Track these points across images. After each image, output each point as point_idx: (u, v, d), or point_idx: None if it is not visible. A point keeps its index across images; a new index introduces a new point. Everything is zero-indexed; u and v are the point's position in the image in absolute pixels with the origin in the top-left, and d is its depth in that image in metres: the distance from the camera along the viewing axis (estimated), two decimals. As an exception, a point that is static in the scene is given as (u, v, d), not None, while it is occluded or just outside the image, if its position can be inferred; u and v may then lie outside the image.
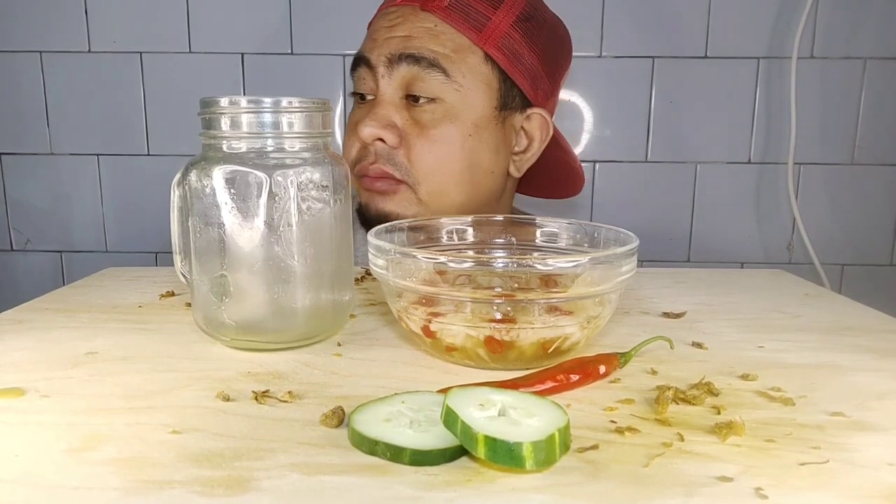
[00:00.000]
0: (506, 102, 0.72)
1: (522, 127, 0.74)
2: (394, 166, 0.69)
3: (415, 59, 0.68)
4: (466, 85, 0.69)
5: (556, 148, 0.80)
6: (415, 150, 0.69)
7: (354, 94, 0.74)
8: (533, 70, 0.72)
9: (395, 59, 0.68)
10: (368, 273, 0.65)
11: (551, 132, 0.76)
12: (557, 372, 0.38)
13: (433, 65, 0.68)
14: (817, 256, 1.04)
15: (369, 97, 0.72)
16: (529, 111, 0.73)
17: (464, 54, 0.69)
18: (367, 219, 0.72)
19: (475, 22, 0.69)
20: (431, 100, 0.69)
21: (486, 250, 0.54)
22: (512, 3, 0.70)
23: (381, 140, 0.68)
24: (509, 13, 0.70)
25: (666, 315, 0.53)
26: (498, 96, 0.71)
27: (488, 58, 0.70)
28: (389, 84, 0.69)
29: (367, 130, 0.67)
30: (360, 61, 0.71)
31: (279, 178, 0.41)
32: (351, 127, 0.73)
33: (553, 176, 0.85)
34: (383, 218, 0.69)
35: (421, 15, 0.69)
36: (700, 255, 1.11)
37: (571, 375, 0.38)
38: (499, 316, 0.39)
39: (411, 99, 0.70)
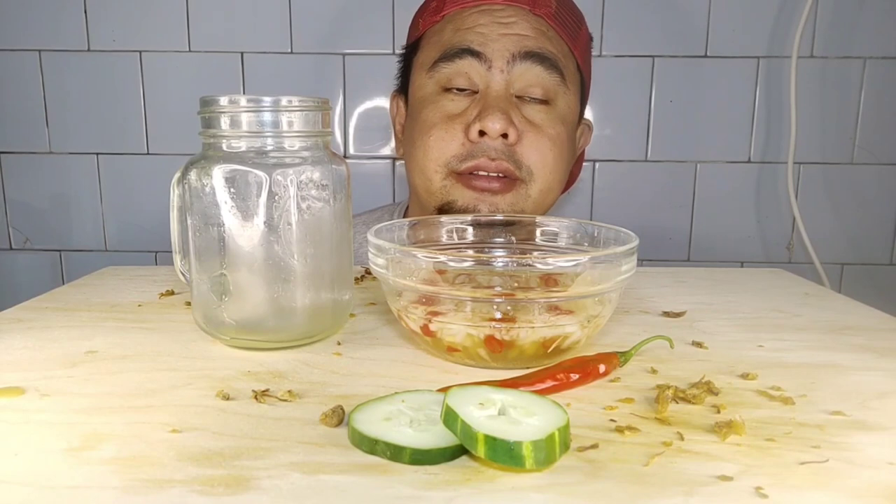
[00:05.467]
0: (582, 112, 0.76)
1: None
2: (514, 163, 0.67)
3: (541, 58, 0.68)
4: (571, 90, 0.72)
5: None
6: (535, 148, 0.68)
7: (447, 88, 0.71)
8: (589, 85, 0.78)
9: (519, 56, 0.68)
10: (368, 272, 0.65)
11: (588, 143, 0.82)
12: (557, 371, 0.38)
13: (554, 67, 0.69)
14: (817, 256, 1.04)
15: (467, 90, 0.70)
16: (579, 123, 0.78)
17: (567, 61, 0.71)
18: None
19: (571, 31, 0.72)
20: (542, 101, 0.70)
21: (486, 249, 0.54)
22: (584, 21, 0.76)
23: (503, 136, 0.66)
24: (586, 30, 0.76)
25: (666, 314, 0.53)
26: (580, 105, 0.75)
27: (578, 68, 0.73)
28: (505, 79, 0.69)
29: (498, 125, 0.65)
30: (464, 53, 0.69)
31: (279, 178, 0.41)
32: (444, 120, 0.69)
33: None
34: None
35: (532, 18, 0.69)
36: (700, 255, 1.11)
37: (571, 374, 0.38)
38: (499, 315, 0.39)
39: (517, 98, 0.70)
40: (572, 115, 0.73)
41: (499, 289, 0.42)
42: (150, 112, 1.06)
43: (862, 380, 0.40)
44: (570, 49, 0.72)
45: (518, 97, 0.70)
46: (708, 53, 1.04)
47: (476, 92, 0.70)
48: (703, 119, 1.06)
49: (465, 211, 0.69)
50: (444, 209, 0.70)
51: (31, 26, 1.03)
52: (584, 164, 1.07)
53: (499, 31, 0.69)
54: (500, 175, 0.68)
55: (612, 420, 0.34)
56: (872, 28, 1.03)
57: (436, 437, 0.30)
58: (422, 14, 0.77)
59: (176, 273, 0.46)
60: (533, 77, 0.69)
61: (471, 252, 0.53)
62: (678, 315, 0.53)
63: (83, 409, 0.35)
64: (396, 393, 0.34)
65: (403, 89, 0.79)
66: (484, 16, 0.70)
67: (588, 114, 1.06)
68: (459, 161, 0.68)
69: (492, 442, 0.28)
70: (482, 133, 0.66)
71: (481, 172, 0.67)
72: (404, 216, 0.85)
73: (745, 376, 0.40)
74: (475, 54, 0.68)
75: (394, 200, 1.09)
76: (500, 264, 0.41)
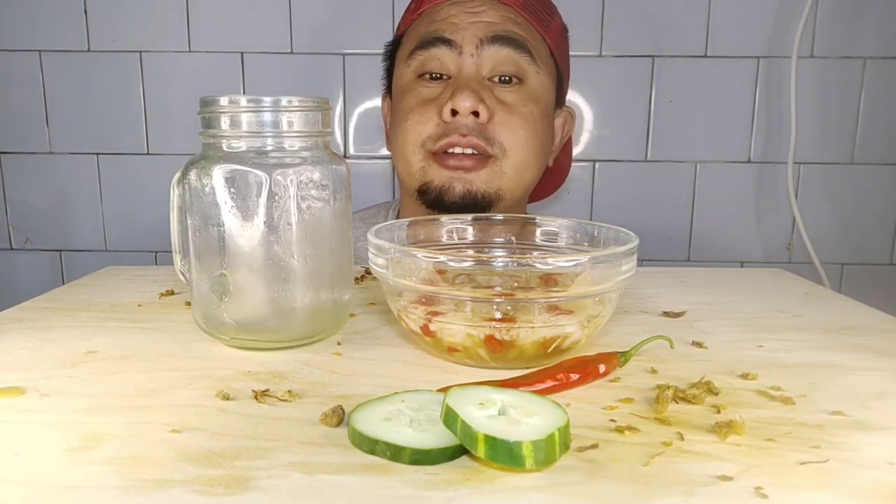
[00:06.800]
0: (558, 98, 0.79)
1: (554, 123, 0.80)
2: (485, 140, 0.70)
3: (508, 40, 0.72)
4: (543, 72, 0.75)
5: (562, 149, 0.86)
6: (505, 126, 0.71)
7: (421, 74, 0.74)
8: (566, 73, 0.80)
9: (488, 41, 0.72)
10: (368, 272, 0.65)
11: (572, 130, 0.84)
12: (557, 371, 0.38)
13: (523, 47, 0.73)
14: (817, 256, 1.04)
15: (443, 77, 0.74)
16: (559, 109, 0.81)
17: (538, 44, 0.74)
18: (445, 202, 0.71)
19: (542, 19, 0.75)
20: (515, 82, 0.73)
21: (486, 249, 0.54)
22: (557, 13, 0.79)
23: (475, 114, 0.69)
24: (559, 20, 0.78)
25: (666, 314, 0.53)
26: (555, 90, 0.77)
27: (551, 54, 0.76)
28: (475, 63, 0.72)
29: (468, 103, 0.68)
30: (437, 41, 0.73)
31: (279, 178, 0.41)
32: (420, 104, 0.73)
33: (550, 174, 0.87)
34: (469, 198, 0.71)
35: (500, 6, 0.74)
36: (700, 255, 1.11)
37: (571, 374, 0.38)
38: (499, 315, 0.39)
39: (489, 81, 0.73)
40: (546, 96, 0.75)
41: (499, 289, 0.42)
42: (150, 112, 1.06)
43: (862, 380, 0.40)
44: (541, 35, 0.75)
45: (490, 80, 0.73)
46: (708, 53, 1.04)
47: (450, 77, 0.73)
48: (703, 119, 1.06)
49: (441, 191, 0.71)
50: (423, 190, 0.73)
51: (31, 26, 1.03)
52: (584, 164, 1.07)
53: (468, 20, 0.73)
54: (473, 152, 0.70)
55: (612, 420, 0.34)
56: (872, 28, 1.03)
57: (436, 437, 0.30)
58: (404, 15, 0.82)
59: (176, 273, 0.46)
60: (502, 58, 0.72)
61: (471, 252, 0.53)
62: (678, 315, 0.53)
63: (83, 409, 0.35)
64: (396, 393, 0.34)
65: (390, 88, 0.83)
66: (455, 7, 0.74)
67: (588, 114, 1.06)
68: (434, 141, 0.71)
69: (492, 442, 0.28)
70: (454, 112, 0.69)
71: (455, 150, 0.70)
72: (398, 212, 0.86)
73: (745, 376, 0.40)
74: (446, 42, 0.72)
75: (393, 199, 1.09)
76: (500, 264, 0.41)
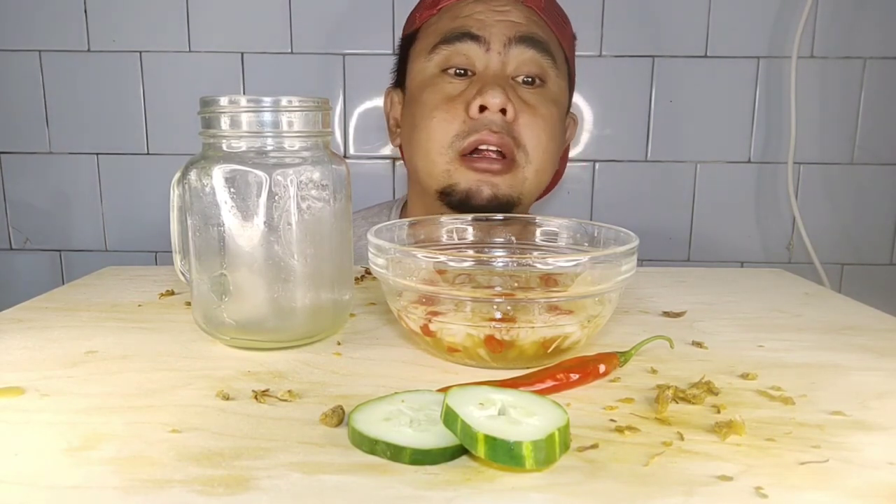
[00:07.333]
0: (569, 103, 0.80)
1: None
2: (513, 140, 0.70)
3: (534, 41, 0.72)
4: (561, 75, 0.76)
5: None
6: (530, 127, 0.71)
7: (445, 69, 0.73)
8: (574, 80, 0.81)
9: (515, 40, 0.72)
10: (368, 272, 0.65)
11: (573, 137, 0.86)
12: (557, 371, 0.38)
13: (546, 50, 0.73)
14: (817, 256, 1.04)
15: (466, 73, 0.73)
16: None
17: (556, 49, 0.75)
18: (473, 205, 0.70)
19: (560, 25, 0.76)
20: (537, 83, 0.74)
21: (486, 249, 0.54)
22: (569, 21, 0.80)
23: (502, 112, 0.69)
24: (571, 29, 0.80)
25: (666, 314, 0.53)
26: (568, 94, 0.78)
27: (565, 59, 0.77)
28: (501, 61, 0.72)
29: (498, 99, 0.68)
30: (464, 36, 0.72)
31: (279, 178, 0.41)
32: (444, 101, 0.72)
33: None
34: (495, 201, 0.70)
35: (523, 8, 0.74)
36: (700, 255, 1.11)
37: (571, 374, 0.38)
38: (499, 315, 0.39)
39: (512, 80, 0.73)
40: (563, 98, 0.76)
41: (499, 289, 0.42)
42: (150, 112, 1.06)
43: (862, 380, 0.40)
44: (558, 40, 0.76)
45: (513, 79, 0.73)
46: (708, 53, 1.04)
47: (474, 74, 0.73)
48: (703, 119, 1.06)
49: (466, 194, 0.70)
50: (446, 192, 0.72)
51: (31, 26, 1.03)
52: (584, 164, 1.07)
53: (495, 18, 0.72)
54: (501, 154, 0.70)
55: (612, 420, 0.34)
56: (872, 28, 1.03)
57: (436, 437, 0.30)
58: (418, 9, 0.80)
59: (176, 273, 0.46)
60: (527, 58, 0.72)
61: (471, 252, 0.53)
62: (678, 315, 0.53)
63: (83, 409, 0.35)
64: (396, 393, 0.34)
65: (399, 83, 0.82)
66: (480, 4, 0.74)
67: (588, 114, 1.07)
68: (462, 138, 0.70)
69: (492, 442, 0.28)
70: (482, 109, 0.69)
71: (485, 147, 0.70)
72: (402, 210, 0.86)
73: (745, 376, 0.40)
74: (474, 37, 0.72)
75: (393, 199, 1.09)
76: (500, 264, 0.41)
